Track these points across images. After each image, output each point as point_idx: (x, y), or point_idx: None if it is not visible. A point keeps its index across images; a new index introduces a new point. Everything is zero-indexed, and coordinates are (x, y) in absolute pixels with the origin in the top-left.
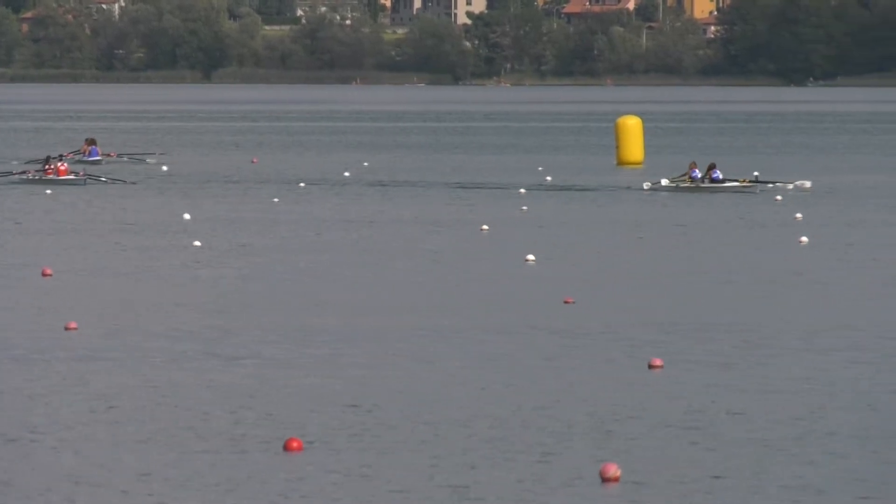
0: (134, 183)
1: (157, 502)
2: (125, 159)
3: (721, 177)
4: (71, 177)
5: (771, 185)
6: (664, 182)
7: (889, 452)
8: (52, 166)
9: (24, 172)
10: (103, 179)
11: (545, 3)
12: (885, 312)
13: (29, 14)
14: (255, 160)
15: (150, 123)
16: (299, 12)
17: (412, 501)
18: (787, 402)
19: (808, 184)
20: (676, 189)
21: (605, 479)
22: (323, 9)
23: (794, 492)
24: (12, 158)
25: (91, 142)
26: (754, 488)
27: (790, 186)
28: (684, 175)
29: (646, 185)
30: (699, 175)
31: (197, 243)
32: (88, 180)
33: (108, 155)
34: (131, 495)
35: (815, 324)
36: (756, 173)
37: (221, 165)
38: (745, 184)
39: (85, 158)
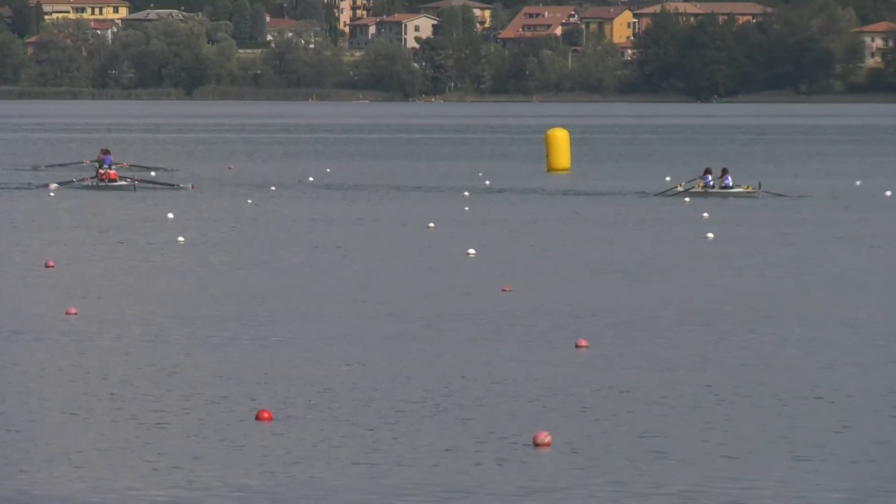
0: (182, 187)
1: (144, 467)
2: (152, 173)
3: (731, 183)
4: (123, 182)
5: (774, 195)
6: (678, 188)
7: (785, 413)
8: (105, 171)
9: (83, 179)
10: (154, 184)
11: (483, 30)
12: (782, 294)
13: (33, 38)
14: (231, 167)
15: (142, 135)
16: (269, 37)
17: (368, 465)
18: (696, 375)
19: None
20: (687, 193)
21: (537, 445)
22: (290, 34)
23: (703, 457)
24: (29, 165)
25: (105, 151)
26: (670, 451)
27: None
28: (697, 179)
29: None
30: (711, 181)
31: (180, 239)
32: (138, 186)
33: (122, 165)
34: (120, 461)
35: (721, 306)
36: (759, 182)
37: (202, 171)
38: (748, 190)
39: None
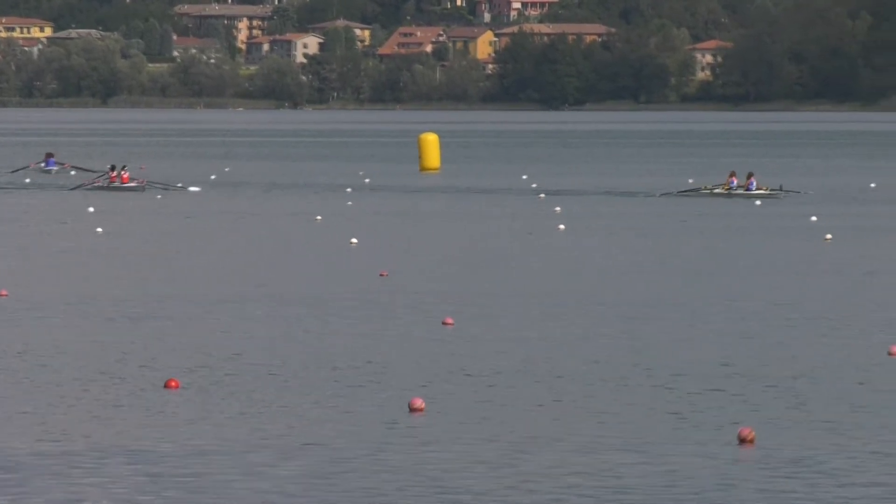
0: (187, 188)
1: (60, 429)
2: (71, 172)
3: (756, 185)
4: (133, 184)
5: (795, 193)
6: (701, 188)
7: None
8: (117, 174)
9: (94, 182)
10: (161, 186)
11: (364, 47)
12: (625, 277)
13: None
14: (143, 167)
15: (70, 138)
16: (176, 53)
17: (265, 425)
18: (545, 347)
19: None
20: (710, 195)
21: (412, 410)
22: (194, 51)
23: (552, 412)
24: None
25: (49, 154)
26: (526, 410)
27: (802, 192)
28: (722, 184)
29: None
30: (736, 184)
31: (99, 230)
32: (147, 186)
33: (63, 165)
34: (42, 424)
35: (576, 289)
36: (781, 184)
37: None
38: (770, 191)
39: (44, 168)
